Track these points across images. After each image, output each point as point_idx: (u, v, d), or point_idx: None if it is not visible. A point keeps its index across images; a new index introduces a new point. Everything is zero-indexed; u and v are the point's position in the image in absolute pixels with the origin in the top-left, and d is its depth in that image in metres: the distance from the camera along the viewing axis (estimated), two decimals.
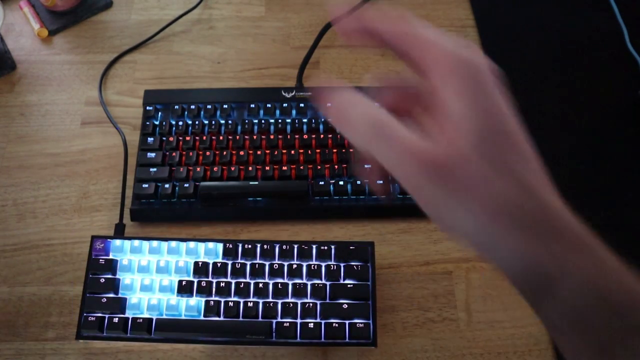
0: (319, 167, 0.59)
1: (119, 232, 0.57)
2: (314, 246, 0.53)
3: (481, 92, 0.23)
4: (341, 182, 0.59)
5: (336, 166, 0.59)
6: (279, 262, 0.52)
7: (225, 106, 0.63)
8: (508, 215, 0.22)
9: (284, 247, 0.53)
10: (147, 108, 0.63)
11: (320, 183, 0.58)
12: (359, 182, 0.59)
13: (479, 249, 0.24)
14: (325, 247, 0.53)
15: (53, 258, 0.57)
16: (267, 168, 0.59)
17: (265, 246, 0.53)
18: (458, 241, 0.24)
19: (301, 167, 0.59)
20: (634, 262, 0.62)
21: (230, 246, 0.53)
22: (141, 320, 0.50)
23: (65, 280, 0.55)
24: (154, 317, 0.50)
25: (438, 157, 0.22)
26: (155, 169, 0.59)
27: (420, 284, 0.56)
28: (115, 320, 0.50)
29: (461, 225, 0.23)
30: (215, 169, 0.59)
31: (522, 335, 0.53)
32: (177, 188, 0.58)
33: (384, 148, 0.23)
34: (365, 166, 0.31)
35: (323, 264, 0.52)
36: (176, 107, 0.63)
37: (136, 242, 0.53)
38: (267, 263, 0.52)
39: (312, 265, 0.52)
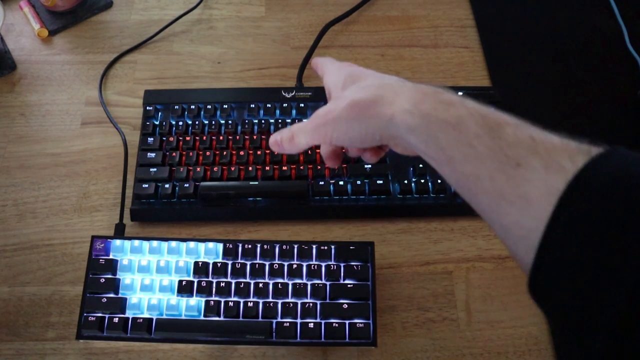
0: (319, 167, 0.59)
1: (119, 232, 0.57)
2: (314, 246, 0.53)
3: (340, 68, 0.43)
4: (341, 182, 0.59)
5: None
6: (279, 262, 0.52)
7: (225, 106, 0.63)
8: (355, 106, 0.37)
9: (284, 247, 0.53)
10: (147, 108, 0.63)
11: (320, 183, 0.58)
12: (358, 182, 0.59)
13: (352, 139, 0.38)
14: (325, 247, 0.53)
15: (53, 258, 0.57)
16: (267, 168, 0.59)
17: (265, 246, 0.53)
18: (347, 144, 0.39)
19: (301, 167, 0.59)
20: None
21: (230, 246, 0.53)
22: (141, 320, 0.50)
23: (65, 280, 0.56)
24: (154, 317, 0.50)
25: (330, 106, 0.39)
26: (155, 169, 0.59)
27: (420, 284, 0.56)
28: (116, 320, 0.50)
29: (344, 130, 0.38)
30: (215, 169, 0.59)
31: (522, 335, 0.53)
32: (177, 188, 0.58)
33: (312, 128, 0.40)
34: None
35: (323, 264, 0.52)
36: (176, 107, 0.63)
37: (136, 242, 0.53)
38: (267, 263, 0.52)
39: (312, 265, 0.52)
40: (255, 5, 0.76)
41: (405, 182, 0.59)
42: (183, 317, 0.51)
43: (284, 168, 0.59)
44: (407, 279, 0.56)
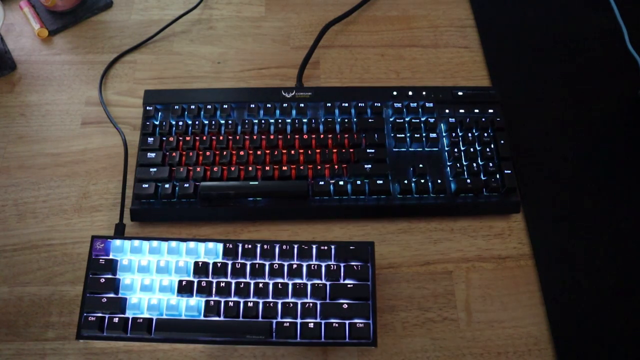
0: (319, 167, 0.59)
1: (119, 232, 0.57)
2: (314, 246, 0.53)
3: None
4: (341, 182, 0.59)
5: (336, 166, 0.59)
6: (279, 262, 0.52)
7: (225, 106, 0.63)
8: None
9: (284, 247, 0.53)
10: (147, 108, 0.63)
11: (320, 183, 0.58)
12: (358, 182, 0.59)
13: None
14: (325, 247, 0.53)
15: (53, 258, 0.57)
16: (267, 168, 0.59)
17: (265, 246, 0.53)
18: None
19: (301, 167, 0.59)
20: (634, 260, 0.62)
21: (230, 246, 0.53)
22: (141, 320, 0.50)
23: (65, 280, 0.56)
24: (154, 317, 0.50)
25: None
26: (155, 169, 0.59)
27: (420, 284, 0.56)
28: (116, 320, 0.50)
29: None
30: (215, 169, 0.59)
31: (522, 335, 0.53)
32: (177, 188, 0.58)
33: None
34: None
35: (323, 264, 0.52)
36: (176, 107, 0.63)
37: (136, 242, 0.53)
38: (267, 263, 0.52)
39: (312, 265, 0.52)
40: (255, 5, 0.76)
41: (405, 182, 0.59)
42: (183, 317, 0.51)
43: (284, 168, 0.59)
44: (407, 279, 0.56)
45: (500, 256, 0.58)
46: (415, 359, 0.52)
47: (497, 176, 0.60)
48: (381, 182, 0.59)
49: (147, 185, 0.58)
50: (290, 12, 0.75)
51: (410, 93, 0.64)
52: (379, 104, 0.63)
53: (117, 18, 0.74)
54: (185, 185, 0.58)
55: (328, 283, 0.52)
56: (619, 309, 0.54)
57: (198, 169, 0.59)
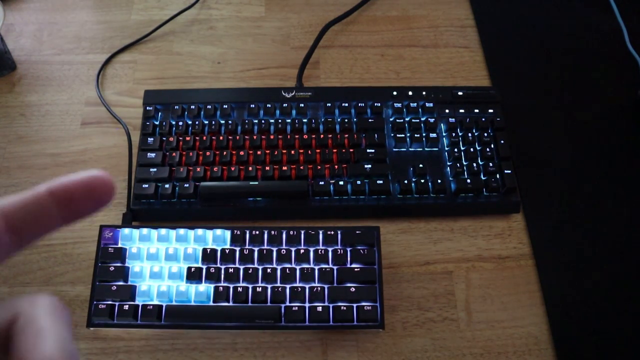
0: (319, 167, 0.59)
1: (127, 221, 0.57)
2: (321, 231, 0.54)
3: None
4: (341, 182, 0.59)
5: (336, 166, 0.59)
6: (287, 247, 0.53)
7: (225, 106, 0.63)
8: None
9: (291, 232, 0.53)
10: (147, 108, 0.63)
11: (320, 183, 0.58)
12: (358, 182, 0.59)
13: None
14: (332, 232, 0.53)
15: (53, 258, 0.57)
16: (267, 168, 0.59)
17: (272, 232, 0.53)
18: None
19: (301, 167, 0.59)
20: (634, 260, 0.62)
21: (238, 233, 0.53)
22: (151, 307, 0.50)
23: (65, 280, 0.56)
24: (164, 304, 0.51)
25: None
26: (155, 169, 0.59)
27: (420, 284, 0.56)
28: (126, 307, 0.50)
29: None
30: (215, 169, 0.59)
31: (522, 335, 0.53)
32: (177, 188, 0.58)
33: None
34: None
35: (330, 249, 0.53)
36: (176, 107, 0.63)
37: (145, 231, 0.53)
38: (274, 249, 0.53)
39: (319, 250, 0.53)
40: (255, 5, 0.76)
41: (405, 182, 0.59)
42: (193, 304, 0.51)
43: (284, 168, 0.59)
44: (407, 279, 0.56)
45: (500, 256, 0.58)
46: (415, 359, 0.52)
47: (497, 176, 0.59)
48: (381, 182, 0.59)
49: (147, 185, 0.58)
50: (290, 12, 0.75)
51: (410, 93, 0.64)
52: (379, 104, 0.63)
53: (117, 18, 0.74)
54: (185, 185, 0.58)
55: (335, 267, 0.52)
56: (619, 308, 0.54)
57: (198, 169, 0.59)
